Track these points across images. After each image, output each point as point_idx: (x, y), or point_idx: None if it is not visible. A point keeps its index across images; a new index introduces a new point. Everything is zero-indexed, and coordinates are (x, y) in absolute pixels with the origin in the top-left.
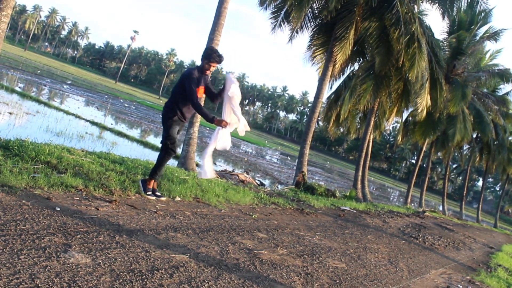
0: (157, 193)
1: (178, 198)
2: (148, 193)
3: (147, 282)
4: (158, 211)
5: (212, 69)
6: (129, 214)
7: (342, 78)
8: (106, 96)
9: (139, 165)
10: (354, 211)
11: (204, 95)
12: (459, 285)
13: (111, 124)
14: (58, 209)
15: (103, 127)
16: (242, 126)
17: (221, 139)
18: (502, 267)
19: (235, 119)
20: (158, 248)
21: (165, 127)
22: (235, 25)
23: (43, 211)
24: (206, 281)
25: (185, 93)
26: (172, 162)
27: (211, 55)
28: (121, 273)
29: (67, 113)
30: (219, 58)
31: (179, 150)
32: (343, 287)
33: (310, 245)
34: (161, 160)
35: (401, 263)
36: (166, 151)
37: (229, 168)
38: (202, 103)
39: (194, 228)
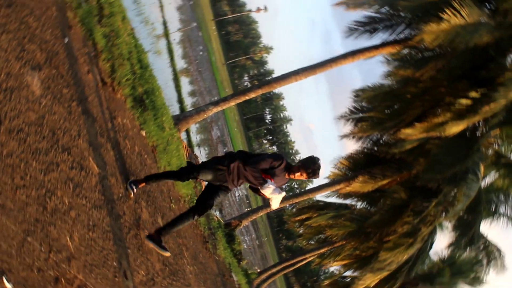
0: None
1: (143, 133)
2: (163, 244)
3: (52, 152)
4: (120, 124)
5: (298, 176)
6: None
7: (335, 199)
8: (195, 24)
9: (150, 83)
10: (237, 286)
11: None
12: None
13: (174, 39)
14: (66, 40)
15: (167, 34)
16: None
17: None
18: None
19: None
20: (88, 142)
21: (209, 161)
22: None
23: (56, 24)
24: (87, 199)
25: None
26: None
27: (308, 165)
28: (45, 126)
29: None
30: (312, 174)
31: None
32: None
33: (180, 267)
34: (180, 220)
35: None
36: (178, 177)
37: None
38: (269, 192)
39: (126, 161)
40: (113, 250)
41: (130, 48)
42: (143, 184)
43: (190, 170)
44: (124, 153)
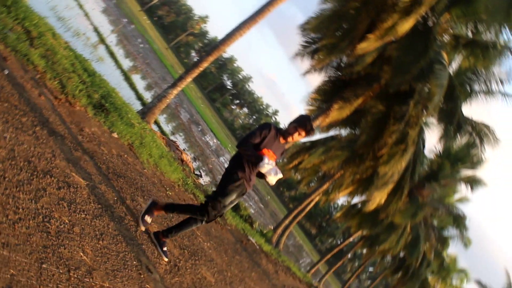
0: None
1: (115, 135)
2: (164, 249)
3: (34, 179)
4: (89, 134)
5: (296, 137)
6: (64, 113)
7: (319, 135)
8: (126, 20)
9: (103, 87)
10: (257, 247)
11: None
12: None
13: (111, 42)
14: (6, 72)
15: (102, 40)
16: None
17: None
18: None
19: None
20: (65, 160)
21: (222, 184)
22: None
23: None
24: (85, 212)
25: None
26: (136, 106)
27: (304, 123)
28: (18, 158)
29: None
30: (311, 129)
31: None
32: None
33: (197, 246)
34: (188, 224)
35: None
36: (202, 213)
37: (181, 145)
38: (265, 170)
39: (108, 166)
40: (128, 251)
41: (71, 60)
42: (161, 212)
43: (214, 209)
44: (104, 159)
